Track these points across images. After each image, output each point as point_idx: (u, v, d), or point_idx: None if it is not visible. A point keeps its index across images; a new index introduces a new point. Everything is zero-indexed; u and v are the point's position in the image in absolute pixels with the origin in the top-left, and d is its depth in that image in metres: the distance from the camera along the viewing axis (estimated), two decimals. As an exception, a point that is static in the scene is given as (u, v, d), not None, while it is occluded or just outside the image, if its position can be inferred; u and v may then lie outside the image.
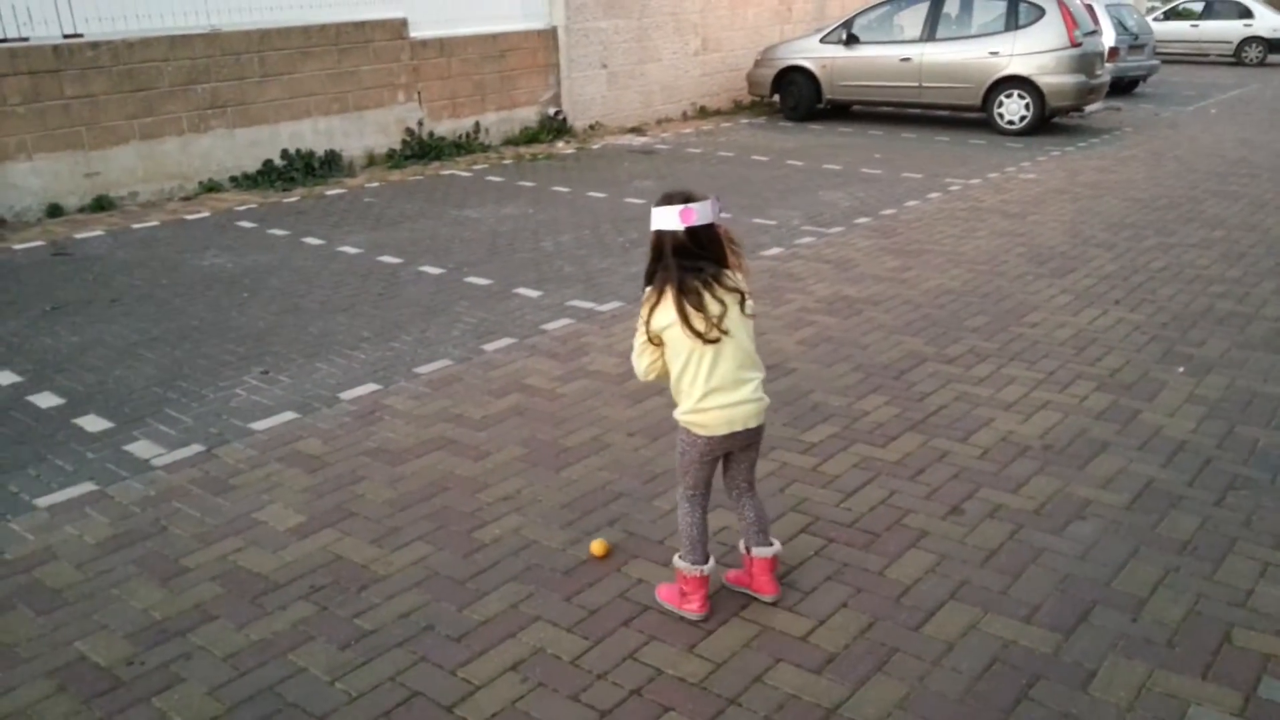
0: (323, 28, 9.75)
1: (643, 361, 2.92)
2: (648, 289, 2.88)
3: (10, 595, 3.19)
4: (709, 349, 2.82)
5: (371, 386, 4.80)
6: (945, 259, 6.88)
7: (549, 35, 12.04)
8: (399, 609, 3.09)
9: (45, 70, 7.97)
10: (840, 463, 3.98)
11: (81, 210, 8.31)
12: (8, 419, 4.49)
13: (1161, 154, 11.01)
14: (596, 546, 3.37)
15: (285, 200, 8.86)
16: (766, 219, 8.04)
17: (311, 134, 9.84)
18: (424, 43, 10.68)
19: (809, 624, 2.99)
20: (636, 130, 12.92)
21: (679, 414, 2.95)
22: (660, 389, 4.63)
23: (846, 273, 6.58)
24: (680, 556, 3.04)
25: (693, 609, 3.02)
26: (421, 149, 10.69)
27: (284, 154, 9.59)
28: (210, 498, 3.77)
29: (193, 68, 8.84)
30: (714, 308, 2.79)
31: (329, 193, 9.18)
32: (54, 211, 8.15)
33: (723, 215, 2.87)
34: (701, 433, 2.91)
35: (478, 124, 11.41)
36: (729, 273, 2.86)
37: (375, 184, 9.57)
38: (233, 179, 9.27)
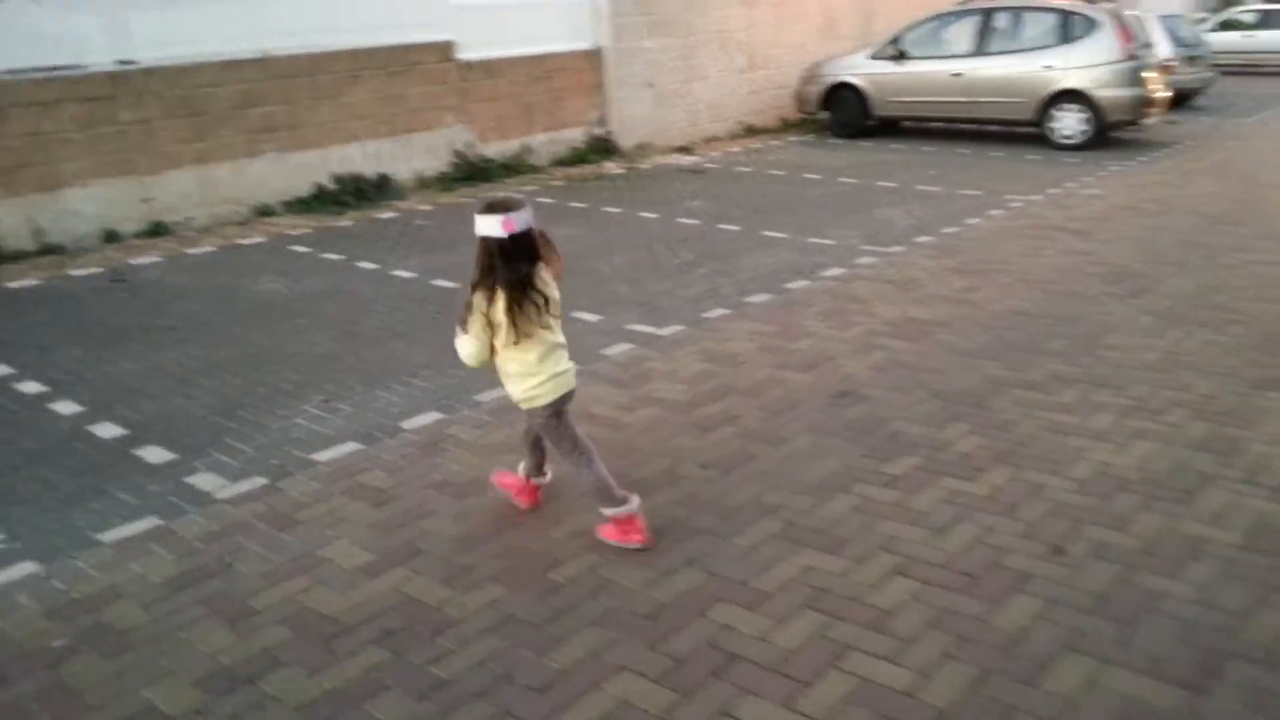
0: (371, 51, 9.74)
1: (473, 347, 3.32)
2: (478, 288, 3.27)
3: (77, 637, 3.08)
4: (535, 340, 3.28)
5: (434, 415, 4.68)
6: (1014, 279, 6.66)
7: (595, 55, 11.99)
8: (476, 655, 2.95)
9: (100, 97, 8.00)
10: (927, 497, 3.78)
11: (137, 236, 8.32)
12: (70, 450, 4.42)
13: (1226, 167, 10.69)
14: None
15: (338, 224, 8.83)
16: (824, 239, 7.84)
17: (361, 157, 9.82)
18: (471, 65, 10.65)
19: (912, 677, 2.79)
20: (684, 149, 12.80)
21: (519, 396, 3.40)
22: (729, 419, 4.49)
23: (911, 294, 6.38)
24: (607, 508, 3.44)
25: (639, 540, 3.43)
26: (471, 171, 10.64)
27: (334, 178, 9.57)
28: (275, 533, 3.66)
29: (244, 92, 8.85)
30: (531, 309, 3.24)
31: (380, 216, 9.14)
32: (111, 238, 8.16)
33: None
34: (542, 402, 3.38)
35: (526, 145, 11.35)
36: (541, 275, 3.28)
37: (426, 207, 9.52)
38: (285, 203, 9.25)
